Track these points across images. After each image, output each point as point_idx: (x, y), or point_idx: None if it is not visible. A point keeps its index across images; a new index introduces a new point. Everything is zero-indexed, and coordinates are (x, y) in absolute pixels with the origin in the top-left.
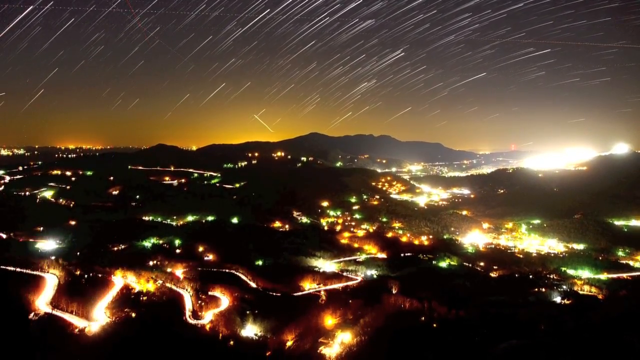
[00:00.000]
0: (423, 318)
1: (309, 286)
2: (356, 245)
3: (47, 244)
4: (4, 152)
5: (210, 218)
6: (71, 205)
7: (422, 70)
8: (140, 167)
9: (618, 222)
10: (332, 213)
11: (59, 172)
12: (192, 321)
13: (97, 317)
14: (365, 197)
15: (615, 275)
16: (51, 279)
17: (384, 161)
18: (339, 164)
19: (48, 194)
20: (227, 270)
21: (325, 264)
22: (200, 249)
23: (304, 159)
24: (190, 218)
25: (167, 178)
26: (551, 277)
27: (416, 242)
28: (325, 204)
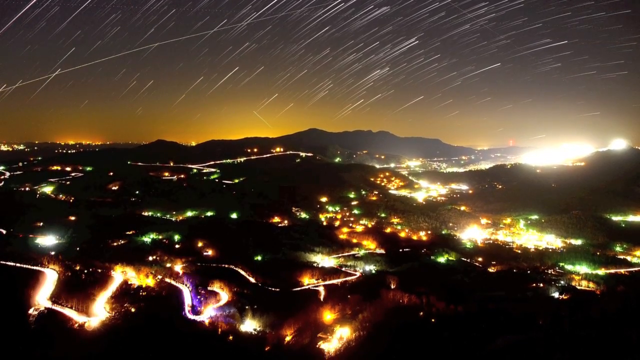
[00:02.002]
0: (422, 313)
1: (307, 281)
2: (355, 240)
3: (47, 240)
4: (4, 148)
5: (209, 213)
6: (71, 200)
7: (436, 59)
8: (139, 163)
9: (616, 218)
10: (330, 208)
11: (59, 168)
12: (191, 316)
13: (97, 312)
14: (364, 192)
15: (613, 271)
16: (51, 274)
17: (383, 157)
18: (337, 159)
19: (48, 189)
20: (226, 266)
21: (324, 260)
22: (200, 244)
23: (302, 154)
24: (189, 213)
25: (166, 174)
26: (549, 272)
27: (415, 237)
28: (324, 199)
